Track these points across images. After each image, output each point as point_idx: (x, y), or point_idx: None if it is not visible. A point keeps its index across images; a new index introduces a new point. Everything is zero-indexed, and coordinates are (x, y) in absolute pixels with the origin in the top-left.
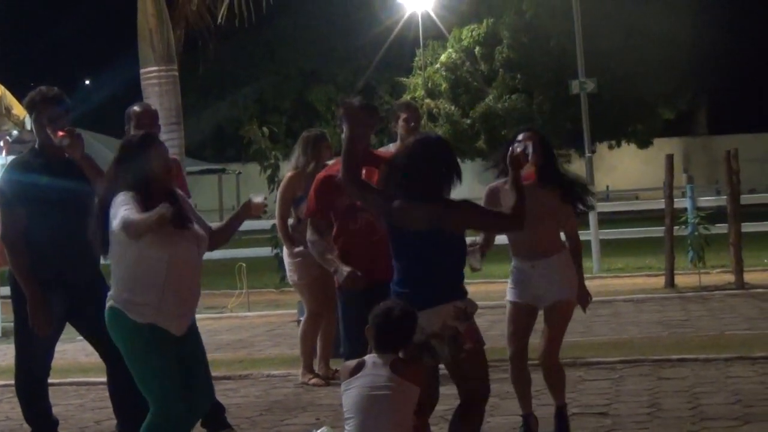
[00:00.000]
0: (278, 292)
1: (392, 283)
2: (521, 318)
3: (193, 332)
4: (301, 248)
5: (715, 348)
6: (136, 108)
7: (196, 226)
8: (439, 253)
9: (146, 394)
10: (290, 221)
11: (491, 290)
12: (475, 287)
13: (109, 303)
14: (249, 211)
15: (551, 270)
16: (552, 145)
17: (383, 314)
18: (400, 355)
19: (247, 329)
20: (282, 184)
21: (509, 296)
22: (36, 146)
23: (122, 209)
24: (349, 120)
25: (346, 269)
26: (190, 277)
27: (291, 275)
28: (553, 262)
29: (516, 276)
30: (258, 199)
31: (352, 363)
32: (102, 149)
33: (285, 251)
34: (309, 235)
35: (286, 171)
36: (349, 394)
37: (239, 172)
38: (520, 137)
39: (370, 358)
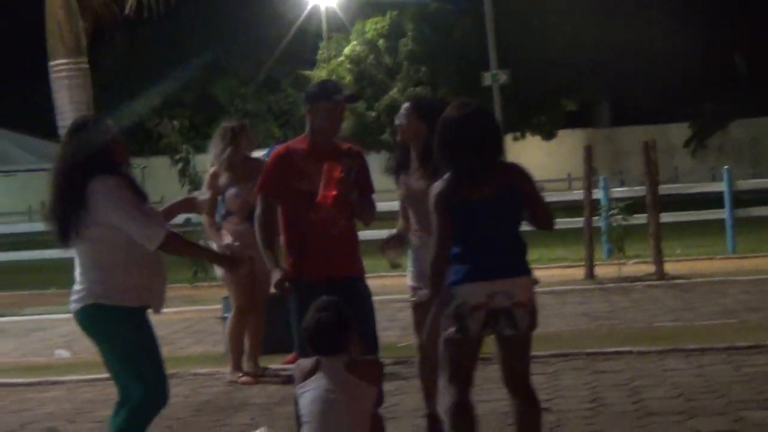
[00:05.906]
0: (192, 288)
1: (464, 269)
2: None
3: None
4: (232, 242)
5: (647, 340)
6: None
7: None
8: (518, 218)
9: (137, 379)
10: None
11: None
12: None
13: (83, 302)
14: (193, 207)
15: None
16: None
17: (316, 324)
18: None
19: (165, 326)
20: (205, 180)
21: None
22: None
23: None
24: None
25: (278, 273)
26: (161, 255)
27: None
28: None
29: None
30: (203, 196)
31: (307, 364)
32: (6, 145)
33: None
34: (257, 210)
35: (208, 165)
36: (306, 396)
37: (144, 167)
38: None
39: (324, 358)
